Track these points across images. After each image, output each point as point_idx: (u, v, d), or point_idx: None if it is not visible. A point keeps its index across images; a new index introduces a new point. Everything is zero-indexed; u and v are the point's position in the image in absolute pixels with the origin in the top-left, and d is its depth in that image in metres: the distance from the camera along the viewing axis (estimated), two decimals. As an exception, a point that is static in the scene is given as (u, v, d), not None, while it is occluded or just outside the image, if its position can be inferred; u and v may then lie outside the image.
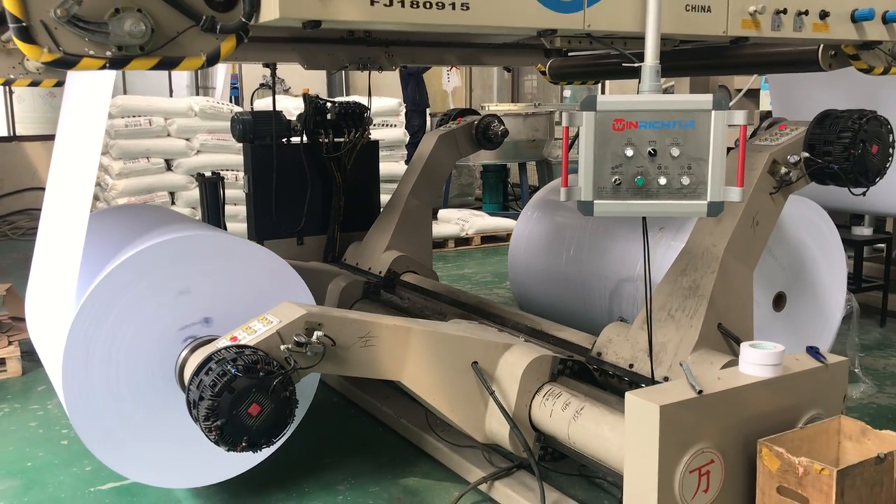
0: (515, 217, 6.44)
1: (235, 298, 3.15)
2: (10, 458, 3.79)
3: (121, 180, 8.00)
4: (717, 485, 2.49)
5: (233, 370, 2.56)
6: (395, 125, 9.25)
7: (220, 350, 2.67)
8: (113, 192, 7.94)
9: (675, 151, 2.41)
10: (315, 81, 11.39)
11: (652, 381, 3.02)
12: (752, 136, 3.40)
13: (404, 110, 9.58)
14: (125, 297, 2.99)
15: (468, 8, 2.43)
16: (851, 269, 5.59)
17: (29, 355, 4.99)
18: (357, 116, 5.26)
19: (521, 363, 3.13)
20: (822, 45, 3.61)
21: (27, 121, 11.28)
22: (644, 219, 2.74)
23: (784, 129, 3.32)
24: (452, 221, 8.89)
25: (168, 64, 2.29)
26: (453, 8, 2.41)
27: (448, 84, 11.89)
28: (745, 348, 2.63)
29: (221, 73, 11.17)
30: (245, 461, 3.25)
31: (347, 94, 12.13)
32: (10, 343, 4.97)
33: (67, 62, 2.18)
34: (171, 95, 10.94)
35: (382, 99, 9.04)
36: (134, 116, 8.03)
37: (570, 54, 5.01)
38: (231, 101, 10.23)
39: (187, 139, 8.37)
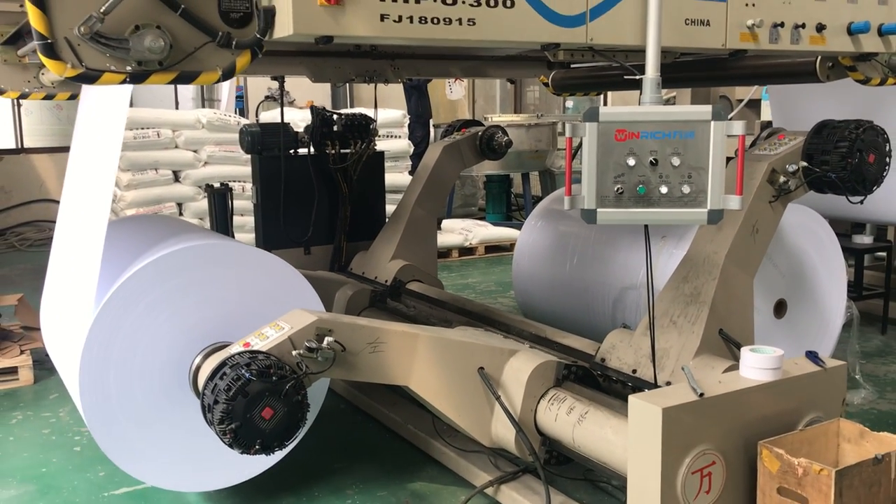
0: (518, 227, 6.52)
1: (248, 305, 3.23)
2: (24, 465, 3.86)
3: (129, 191, 8.09)
4: (719, 486, 2.55)
5: (247, 374, 2.64)
6: (400, 136, 9.34)
7: (233, 355, 2.74)
8: (122, 203, 8.03)
9: (676, 161, 2.49)
10: (319, 93, 11.49)
11: (655, 386, 3.08)
12: (751, 145, 3.48)
13: (408, 122, 9.68)
14: (142, 304, 3.07)
15: (474, 23, 2.51)
16: (852, 277, 5.65)
17: (40, 364, 5.07)
18: (363, 128, 5.34)
19: (526, 369, 3.20)
20: (819, 57, 3.69)
21: (35, 133, 11.39)
22: (646, 227, 2.81)
23: (783, 138, 3.39)
24: (456, 231, 8.96)
25: (186, 78, 2.37)
26: (460, 23, 2.49)
27: (451, 94, 11.98)
28: (745, 353, 2.69)
29: (226, 86, 11.26)
30: (257, 465, 3.32)
31: (352, 106, 12.23)
32: (22, 352, 5.04)
33: (90, 77, 2.26)
34: (177, 108, 11.05)
35: (387, 111, 9.13)
36: (142, 128, 8.12)
37: (572, 66, 5.10)
38: (236, 114, 10.33)
39: (195, 151, 8.46)
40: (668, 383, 3.05)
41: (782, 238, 3.91)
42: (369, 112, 5.61)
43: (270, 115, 9.70)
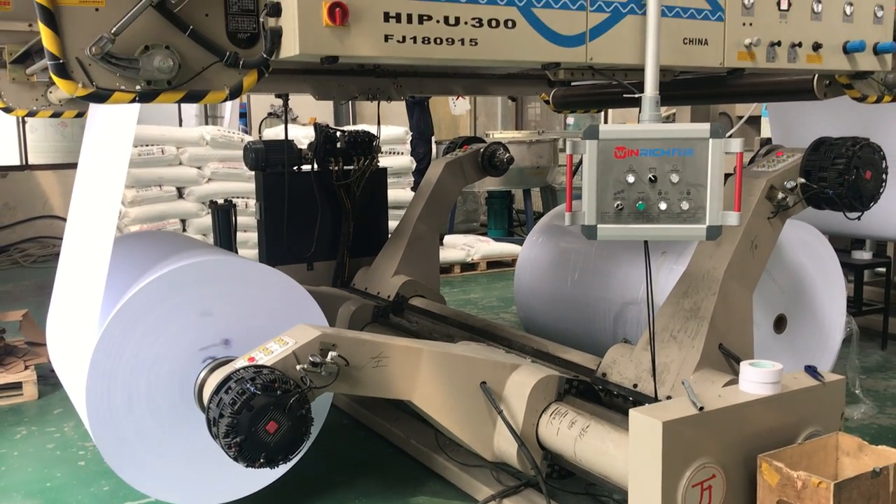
0: (520, 242, 6.56)
1: (253, 320, 3.26)
2: (29, 479, 3.88)
3: (133, 208, 8.15)
4: (719, 499, 2.57)
5: (252, 388, 2.67)
6: (402, 153, 9.41)
7: (238, 370, 2.78)
8: (126, 220, 8.09)
9: (675, 178, 2.53)
10: (322, 110, 11.59)
11: (655, 401, 3.10)
12: (750, 162, 3.52)
13: (410, 137, 9.75)
14: (147, 320, 3.10)
15: (477, 43, 2.57)
16: (852, 292, 5.68)
17: (44, 379, 5.10)
18: (366, 145, 5.40)
19: (528, 383, 3.23)
20: (816, 75, 3.74)
21: (39, 150, 11.46)
22: (646, 242, 2.85)
23: (781, 155, 3.44)
24: (458, 247, 9.00)
25: (194, 97, 2.43)
26: (463, 43, 2.54)
27: (455, 108, 12.06)
28: (744, 367, 2.72)
29: (230, 103, 11.34)
30: (261, 479, 3.34)
31: (354, 123, 12.31)
32: (26, 367, 5.07)
33: (100, 96, 2.32)
34: (180, 124, 11.14)
35: (390, 127, 9.20)
36: (147, 145, 8.20)
37: (573, 84, 5.15)
38: (239, 130, 10.41)
39: (199, 167, 8.53)
40: (669, 397, 3.07)
41: (782, 254, 3.95)
42: (372, 129, 5.67)
43: (273, 132, 9.77)
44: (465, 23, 2.55)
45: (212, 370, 3.16)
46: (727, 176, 2.59)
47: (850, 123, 4.76)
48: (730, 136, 2.56)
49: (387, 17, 2.43)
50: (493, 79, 5.16)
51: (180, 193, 8.52)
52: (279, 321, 3.21)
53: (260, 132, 11.93)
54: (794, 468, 2.46)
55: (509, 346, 4.00)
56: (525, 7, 2.65)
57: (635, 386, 3.28)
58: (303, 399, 2.78)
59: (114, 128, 3.21)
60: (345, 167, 5.34)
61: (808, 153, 3.33)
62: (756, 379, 2.67)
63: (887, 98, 3.74)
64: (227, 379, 2.76)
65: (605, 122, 12.82)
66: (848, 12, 3.39)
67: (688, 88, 4.21)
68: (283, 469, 3.21)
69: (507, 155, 5.47)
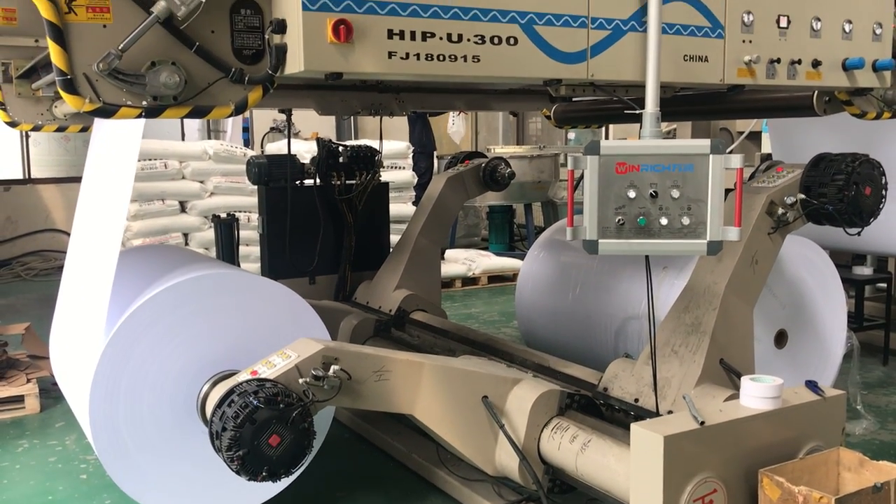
0: (521, 257, 6.57)
1: (255, 334, 3.28)
2: (31, 493, 3.88)
3: (136, 221, 8.18)
4: (721, 513, 2.57)
5: (254, 402, 2.68)
6: (404, 167, 9.44)
7: (241, 383, 2.79)
8: (128, 233, 8.11)
9: (676, 193, 2.55)
10: (324, 125, 11.63)
11: (657, 415, 3.11)
12: (750, 178, 3.54)
13: (412, 152, 9.79)
14: (151, 333, 3.12)
15: (479, 60, 2.59)
16: (852, 308, 5.68)
17: (46, 393, 5.11)
18: (368, 159, 5.42)
19: (529, 397, 3.23)
20: (816, 91, 3.77)
21: (42, 164, 11.50)
22: (647, 257, 2.87)
23: (781, 171, 3.46)
24: (459, 261, 9.02)
25: (199, 112, 2.45)
26: (465, 60, 2.57)
27: (452, 127, 12.12)
28: (745, 382, 2.73)
29: (232, 118, 11.42)
30: (263, 492, 3.34)
31: (356, 138, 12.37)
32: (28, 380, 5.07)
33: (107, 111, 2.34)
34: (183, 139, 11.18)
35: (391, 142, 9.24)
36: (150, 160, 8.24)
37: (574, 99, 5.19)
38: (242, 145, 10.45)
39: (201, 182, 8.57)
40: (670, 412, 3.08)
41: (782, 269, 3.96)
42: (374, 144, 5.70)
43: (276, 147, 9.81)
44: (468, 40, 2.57)
45: (214, 383, 3.17)
46: (728, 191, 2.61)
47: (849, 139, 4.79)
48: (730, 152, 2.59)
49: (390, 34, 2.46)
50: (494, 94, 5.19)
51: (183, 207, 8.54)
52: (282, 335, 3.22)
53: (262, 147, 11.98)
54: (795, 483, 2.47)
55: (511, 360, 4.01)
56: (527, 24, 2.68)
57: (636, 400, 3.29)
58: (305, 412, 2.79)
59: (119, 142, 3.24)
60: (347, 182, 5.37)
61: (807, 169, 3.35)
62: (757, 394, 2.68)
63: (887, 114, 3.77)
64: (230, 392, 2.77)
65: (606, 137, 12.88)
66: (847, 30, 3.42)
67: (688, 104, 4.24)
68: (285, 483, 3.21)
69: (509, 170, 5.49)
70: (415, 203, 9.07)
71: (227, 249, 5.60)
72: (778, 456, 2.64)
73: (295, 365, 2.88)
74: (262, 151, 11.23)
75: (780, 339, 3.99)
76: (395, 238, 5.53)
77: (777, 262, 3.53)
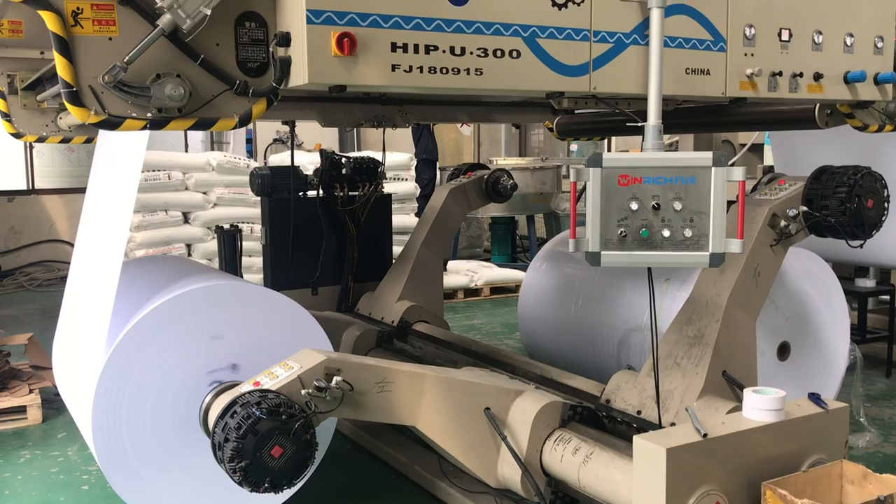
0: (524, 268, 6.58)
1: (258, 344, 3.28)
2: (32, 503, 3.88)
3: (139, 232, 8.20)
4: (724, 526, 2.57)
5: (257, 413, 2.68)
6: (407, 179, 9.48)
7: (244, 394, 2.79)
8: (131, 244, 8.13)
9: (678, 205, 2.56)
10: (327, 137, 11.67)
11: (659, 427, 3.10)
12: (752, 190, 3.55)
13: (415, 163, 9.81)
14: (153, 344, 3.12)
15: (482, 73, 2.61)
16: (855, 320, 5.67)
17: (49, 403, 5.11)
18: (371, 171, 5.44)
19: (532, 409, 3.23)
20: (818, 104, 3.78)
21: (45, 174, 11.54)
22: (649, 269, 2.87)
23: (783, 183, 3.47)
24: (462, 273, 9.02)
25: (204, 125, 2.46)
26: (468, 73, 2.59)
27: (461, 127, 12.23)
28: (748, 394, 2.73)
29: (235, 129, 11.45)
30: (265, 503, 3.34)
31: (359, 149, 12.40)
32: (31, 391, 5.08)
33: (112, 123, 2.36)
34: (186, 150, 11.22)
35: (394, 154, 9.28)
36: (154, 171, 8.27)
37: (576, 112, 5.20)
38: (245, 156, 10.48)
39: (204, 193, 8.60)
40: (673, 424, 3.08)
41: (785, 281, 3.96)
42: (377, 155, 5.72)
43: (279, 158, 9.84)
44: (471, 53, 2.59)
45: (217, 394, 3.17)
46: (730, 203, 2.62)
47: (852, 151, 4.80)
48: (732, 164, 2.60)
49: (394, 47, 2.48)
50: (497, 106, 5.21)
51: (186, 218, 8.57)
52: (284, 345, 3.23)
53: (266, 158, 12.01)
54: (798, 496, 2.46)
55: (513, 371, 4.01)
56: (529, 38, 2.69)
57: (639, 412, 3.28)
58: (307, 424, 2.79)
59: (123, 154, 3.25)
60: (350, 193, 5.38)
61: (809, 181, 3.36)
62: (759, 406, 2.68)
63: (888, 127, 3.78)
64: (233, 403, 2.77)
65: (609, 149, 12.91)
66: (848, 43, 3.44)
67: (690, 117, 4.26)
68: (287, 494, 3.20)
69: (511, 181, 5.50)
70: (417, 214, 9.09)
71: (230, 260, 5.61)
72: (781, 469, 2.64)
73: (297, 376, 2.88)
74: (266, 163, 11.26)
75: (783, 351, 3.98)
76: (397, 249, 5.54)
77: (780, 275, 3.54)
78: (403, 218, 8.94)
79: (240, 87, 2.49)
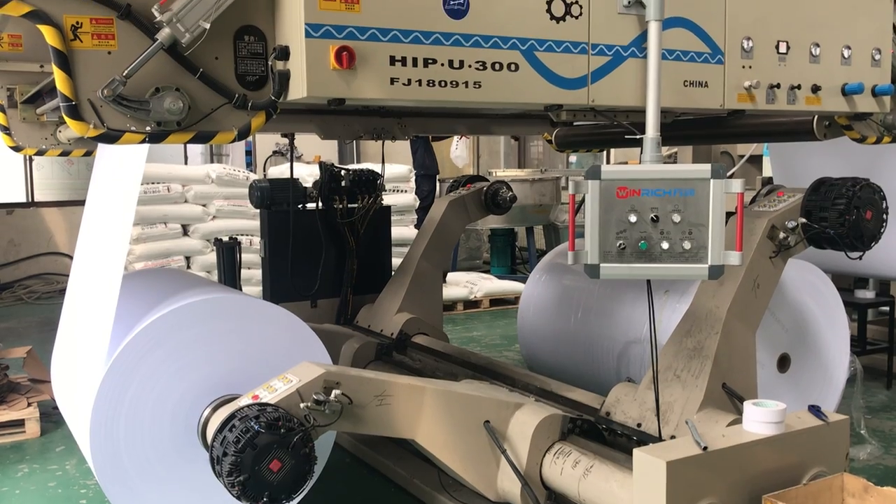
0: (523, 280, 6.58)
1: (257, 358, 3.27)
2: (29, 517, 3.86)
3: (139, 245, 8.20)
4: (725, 540, 2.56)
5: (255, 427, 2.67)
6: (406, 191, 9.48)
7: (242, 408, 2.78)
8: (131, 257, 8.13)
9: (677, 217, 2.56)
10: (327, 149, 11.69)
11: (659, 440, 3.09)
12: (751, 202, 3.55)
13: (414, 176, 9.82)
14: (152, 358, 3.11)
15: (480, 86, 2.62)
16: (855, 331, 5.66)
17: (47, 417, 5.09)
18: (370, 183, 5.45)
19: (531, 422, 3.22)
20: (816, 116, 3.79)
21: (45, 187, 11.55)
22: (648, 281, 2.87)
23: (781, 195, 3.47)
24: (461, 284, 9.01)
25: (203, 138, 2.47)
26: (467, 86, 2.60)
27: (455, 152, 12.19)
28: (748, 406, 2.72)
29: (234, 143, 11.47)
30: (263, 518, 3.32)
31: (358, 161, 12.42)
32: (29, 404, 5.06)
33: (111, 137, 2.36)
34: (185, 162, 11.24)
35: (394, 165, 9.28)
36: (153, 183, 8.28)
37: (575, 124, 5.21)
38: (244, 168, 10.50)
39: (204, 205, 8.60)
40: (673, 437, 3.06)
41: (784, 293, 3.96)
42: (376, 167, 5.72)
43: (278, 170, 9.85)
44: (470, 66, 2.60)
45: (216, 408, 3.16)
46: (729, 214, 2.62)
47: (851, 163, 4.81)
48: (731, 175, 2.60)
49: (392, 60, 2.48)
50: (496, 119, 5.23)
51: (185, 231, 8.57)
52: (283, 359, 3.22)
53: (265, 170, 12.03)
54: (799, 509, 2.45)
55: (513, 384, 4.00)
56: (528, 51, 2.70)
57: (639, 425, 3.27)
58: (306, 437, 2.78)
59: (123, 167, 3.26)
60: (349, 205, 5.39)
61: (808, 193, 3.36)
62: (760, 419, 2.68)
63: (887, 139, 3.79)
64: (231, 417, 2.76)
65: (608, 160, 12.92)
66: (846, 55, 3.45)
67: (689, 128, 4.27)
68: (285, 508, 3.19)
69: (511, 194, 5.51)
70: (417, 226, 9.09)
71: (229, 273, 5.61)
72: (781, 482, 2.63)
73: (296, 389, 2.88)
74: (265, 175, 11.29)
75: (783, 363, 3.98)
76: (397, 261, 5.54)
77: (779, 286, 3.53)
78: (403, 230, 8.94)
79: (239, 100, 2.49)
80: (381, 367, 4.48)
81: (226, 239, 5.77)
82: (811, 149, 5.20)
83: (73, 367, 3.66)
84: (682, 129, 4.20)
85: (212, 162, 11.26)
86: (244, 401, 2.88)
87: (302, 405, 2.85)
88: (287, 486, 2.73)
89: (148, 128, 2.41)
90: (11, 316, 8.99)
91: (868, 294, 5.89)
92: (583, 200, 2.61)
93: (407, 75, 2.50)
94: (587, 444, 3.27)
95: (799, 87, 3.31)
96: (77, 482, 4.25)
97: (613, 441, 3.36)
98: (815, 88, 3.36)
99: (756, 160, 9.29)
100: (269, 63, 2.54)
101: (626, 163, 12.47)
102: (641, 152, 2.77)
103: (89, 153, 4.46)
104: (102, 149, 3.91)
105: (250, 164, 12.34)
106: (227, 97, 2.49)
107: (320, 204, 5.36)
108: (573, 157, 13.60)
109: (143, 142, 2.42)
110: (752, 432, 2.67)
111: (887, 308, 5.99)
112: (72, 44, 2.33)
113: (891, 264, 5.18)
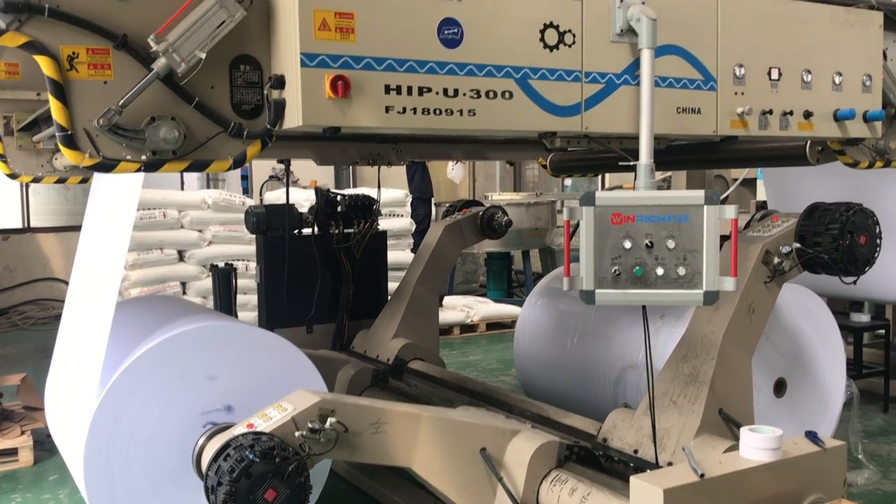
0: (520, 304, 6.58)
1: (251, 385, 3.26)
2: (22, 548, 3.82)
3: (134, 271, 8.18)
4: (723, 568, 2.54)
5: (250, 456, 2.65)
6: (402, 215, 9.49)
7: (237, 437, 2.76)
8: (126, 283, 8.11)
9: (671, 244, 2.56)
10: (323, 174, 11.73)
11: (656, 467, 3.08)
12: (745, 226, 3.57)
13: (410, 199, 9.85)
14: (146, 386, 3.10)
15: (475, 114, 2.64)
16: (851, 355, 5.66)
17: (41, 445, 5.05)
18: (366, 208, 5.45)
19: (528, 449, 3.20)
20: (809, 141, 3.81)
21: (41, 213, 11.57)
22: (644, 307, 2.87)
23: (776, 220, 3.49)
24: (458, 308, 9.01)
25: (198, 166, 2.48)
26: (461, 114, 2.61)
27: (452, 172, 12.24)
28: (744, 433, 2.72)
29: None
30: (257, 548, 3.28)
31: (354, 186, 12.46)
32: (22, 432, 5.02)
33: (106, 166, 2.37)
34: (182, 188, 11.25)
35: (389, 190, 9.30)
36: (149, 209, 8.28)
37: (569, 149, 5.24)
38: (240, 194, 10.52)
39: (200, 231, 8.60)
40: (670, 463, 3.05)
41: (780, 317, 3.96)
42: (372, 192, 5.74)
43: (274, 196, 9.85)
44: (464, 94, 2.62)
45: (210, 437, 3.14)
46: (723, 238, 2.62)
47: (845, 187, 4.83)
48: (725, 199, 2.62)
49: (387, 89, 2.50)
50: (491, 144, 5.25)
51: (181, 256, 8.56)
52: (278, 386, 3.20)
53: (261, 195, 12.05)
54: (797, 537, 2.44)
55: (509, 410, 3.98)
56: (521, 79, 2.72)
57: (636, 452, 3.26)
58: (301, 466, 2.76)
59: (119, 193, 3.26)
60: (345, 230, 5.39)
61: (802, 218, 3.37)
62: (756, 445, 2.67)
63: (879, 164, 3.81)
64: (226, 446, 2.74)
65: (603, 183, 12.97)
66: (837, 81, 3.48)
67: (683, 154, 4.29)
68: (280, 538, 3.16)
69: (506, 218, 5.52)
70: (413, 250, 9.09)
71: (225, 299, 5.60)
72: (779, 509, 2.62)
73: (291, 418, 2.86)
74: (261, 200, 11.29)
75: (780, 387, 3.97)
76: (393, 285, 5.53)
77: (774, 311, 3.54)
78: (399, 254, 8.94)
79: (234, 129, 2.50)
80: (377, 393, 4.46)
81: (222, 265, 5.76)
82: (804, 172, 5.23)
83: (67, 396, 3.64)
84: (676, 154, 4.23)
85: (208, 187, 11.28)
86: (239, 429, 2.86)
87: (297, 433, 2.83)
88: (282, 515, 2.70)
89: (143, 157, 2.42)
90: (7, 342, 8.95)
91: (863, 317, 5.89)
92: (577, 225, 2.62)
93: (402, 104, 2.52)
94: (584, 470, 3.24)
95: (791, 112, 3.34)
96: (70, 511, 4.22)
97: (610, 468, 3.34)
98: (808, 114, 3.38)
99: (750, 183, 9.35)
100: (265, 92, 2.56)
101: (621, 186, 12.53)
102: (635, 178, 2.79)
103: (85, 180, 4.46)
104: (99, 176, 3.91)
105: (246, 190, 12.36)
106: (223, 126, 2.50)
107: (316, 229, 5.37)
108: (568, 181, 13.67)
109: (138, 171, 2.43)
110: (748, 459, 2.66)
111: (883, 331, 5.99)
112: (68, 74, 2.34)
113: (886, 288, 5.20)
